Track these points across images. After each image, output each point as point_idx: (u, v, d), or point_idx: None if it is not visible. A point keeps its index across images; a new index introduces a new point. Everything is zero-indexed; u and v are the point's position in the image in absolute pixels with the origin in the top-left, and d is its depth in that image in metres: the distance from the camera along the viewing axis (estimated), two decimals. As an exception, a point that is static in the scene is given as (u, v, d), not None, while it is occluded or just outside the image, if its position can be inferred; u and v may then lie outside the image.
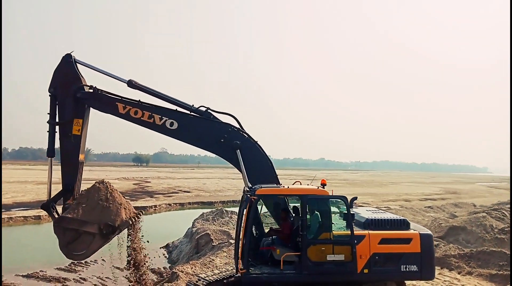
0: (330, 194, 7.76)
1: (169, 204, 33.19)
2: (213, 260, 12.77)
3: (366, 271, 7.64)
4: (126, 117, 7.95)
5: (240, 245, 7.48)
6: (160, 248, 17.87)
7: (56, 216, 7.67)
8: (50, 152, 7.79)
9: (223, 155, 8.37)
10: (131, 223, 7.65)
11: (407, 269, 7.83)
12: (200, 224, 18.48)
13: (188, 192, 43.62)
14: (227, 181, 65.61)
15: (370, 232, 7.86)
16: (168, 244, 18.43)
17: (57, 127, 7.82)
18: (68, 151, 7.82)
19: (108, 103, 7.93)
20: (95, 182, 7.80)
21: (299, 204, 8.70)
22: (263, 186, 7.78)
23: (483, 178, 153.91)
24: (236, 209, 22.54)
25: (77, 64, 7.93)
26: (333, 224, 7.82)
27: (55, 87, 7.73)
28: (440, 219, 21.01)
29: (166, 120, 8.00)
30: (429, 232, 8.39)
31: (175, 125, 8.03)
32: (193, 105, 8.32)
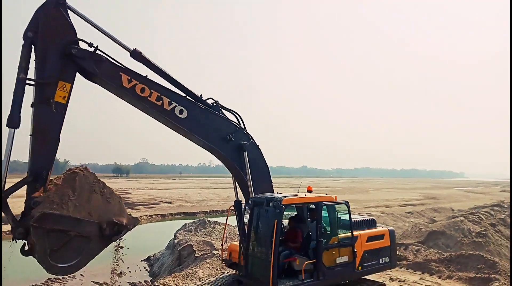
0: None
1: (150, 216, 32.61)
2: (196, 272, 12.57)
3: (360, 268, 8.36)
4: (129, 93, 6.39)
5: (271, 261, 6.80)
6: (141, 261, 17.49)
7: (10, 214, 5.48)
8: (14, 120, 5.39)
9: (229, 154, 7.64)
10: (139, 222, 6.29)
11: (383, 261, 9.00)
12: (182, 235, 18.21)
13: (170, 202, 42.97)
14: (210, 190, 65.07)
15: (361, 232, 8.57)
16: (149, 257, 18.06)
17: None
18: (45, 123, 5.69)
19: (110, 71, 6.21)
20: (75, 169, 5.87)
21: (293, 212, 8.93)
22: (287, 195, 7.67)
23: (460, 183, 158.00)
24: (219, 219, 22.43)
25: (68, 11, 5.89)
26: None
27: (36, 32, 5.59)
28: (420, 224, 21.37)
29: (176, 106, 6.81)
30: (392, 228, 9.73)
31: (185, 114, 6.90)
32: (201, 96, 7.39)
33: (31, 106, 5.68)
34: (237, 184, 8.29)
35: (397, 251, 15.19)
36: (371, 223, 9.29)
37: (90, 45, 5.98)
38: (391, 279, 12.04)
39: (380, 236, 9.00)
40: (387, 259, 9.02)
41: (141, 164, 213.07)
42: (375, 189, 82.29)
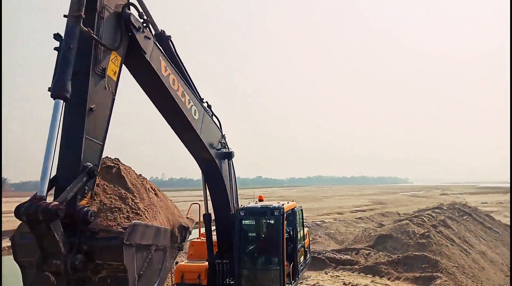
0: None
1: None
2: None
3: (303, 266, 9.43)
4: (165, 82, 5.30)
5: (284, 269, 7.38)
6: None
7: (62, 236, 3.34)
8: (66, 89, 3.58)
9: (217, 162, 7.23)
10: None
11: (308, 257, 10.27)
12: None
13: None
14: (163, 204, 63.27)
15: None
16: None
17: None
18: (97, 99, 4.08)
19: (155, 52, 5.06)
20: (107, 162, 4.37)
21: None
22: (284, 203, 8.20)
23: (405, 188, 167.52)
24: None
25: None
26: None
27: None
28: (369, 229, 22.38)
29: (192, 105, 6.18)
30: (307, 228, 11.96)
31: (197, 115, 6.35)
32: (202, 99, 6.81)
33: (73, 75, 3.77)
34: (208, 196, 7.84)
35: (349, 256, 15.83)
36: None
37: (141, 15, 4.80)
38: (344, 283, 12.48)
39: (306, 236, 10.52)
40: (308, 255, 10.60)
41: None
42: (327, 197, 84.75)
